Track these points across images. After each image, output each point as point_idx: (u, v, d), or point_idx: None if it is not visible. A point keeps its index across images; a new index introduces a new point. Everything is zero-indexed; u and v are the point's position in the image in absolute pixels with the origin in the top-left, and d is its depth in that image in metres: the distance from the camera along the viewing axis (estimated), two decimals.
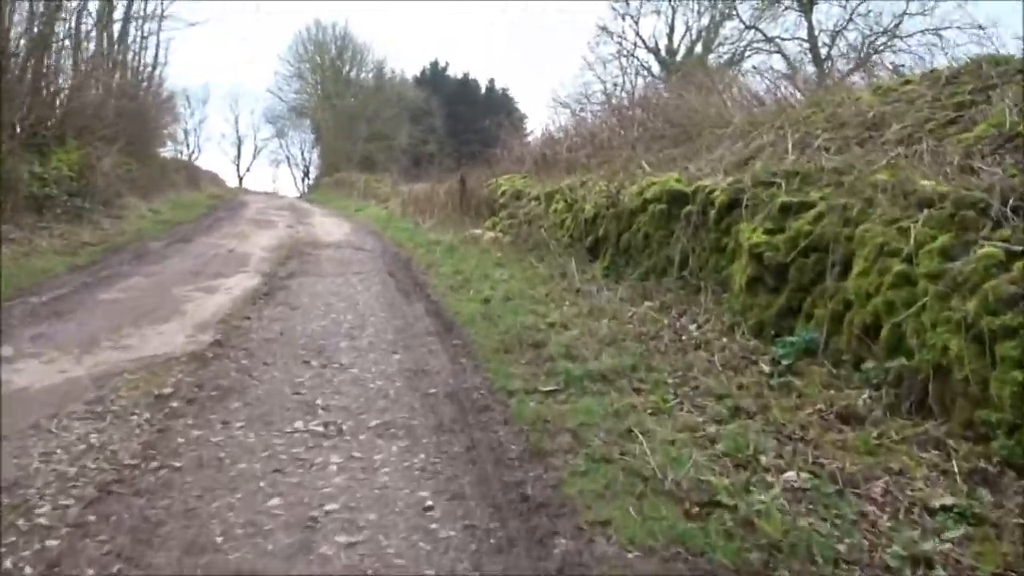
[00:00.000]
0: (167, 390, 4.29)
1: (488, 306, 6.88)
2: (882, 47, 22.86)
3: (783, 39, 26.40)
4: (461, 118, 42.71)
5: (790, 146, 6.92)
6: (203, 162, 47.40)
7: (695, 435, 3.62)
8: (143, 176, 18.58)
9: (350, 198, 28.51)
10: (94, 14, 16.61)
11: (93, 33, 16.52)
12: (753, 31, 27.43)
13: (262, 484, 3.08)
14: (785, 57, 25.04)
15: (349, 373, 4.82)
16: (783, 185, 5.72)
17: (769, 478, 3.12)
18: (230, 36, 74.41)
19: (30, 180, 10.71)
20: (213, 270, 8.85)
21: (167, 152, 29.65)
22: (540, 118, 72.00)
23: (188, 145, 48.18)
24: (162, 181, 22.56)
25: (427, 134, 41.06)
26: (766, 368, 4.55)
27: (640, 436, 3.53)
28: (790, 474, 3.16)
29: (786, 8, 26.00)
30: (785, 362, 4.51)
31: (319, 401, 4.21)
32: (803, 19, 25.51)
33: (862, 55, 21.76)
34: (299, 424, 3.82)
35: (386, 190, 25.71)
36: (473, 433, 3.71)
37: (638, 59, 29.42)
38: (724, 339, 5.21)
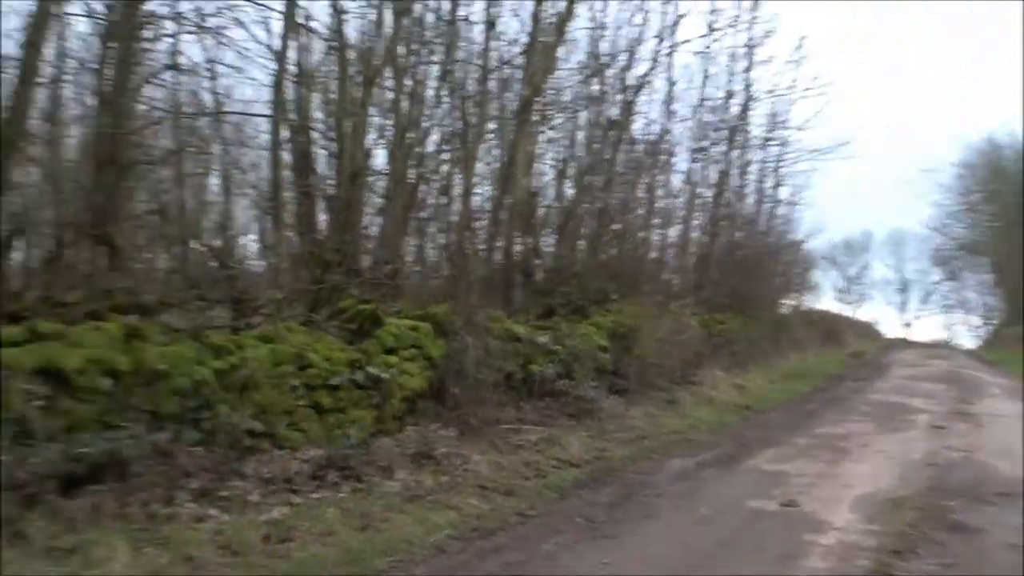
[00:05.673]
0: None
1: None
2: None
3: None
4: None
5: None
6: (865, 312, 44.47)
7: None
8: (739, 337, 15.04)
9: None
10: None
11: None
12: None
13: None
14: None
15: None
16: None
17: None
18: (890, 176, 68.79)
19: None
20: None
21: (799, 304, 25.92)
22: None
23: (850, 294, 45.23)
24: (780, 340, 18.80)
25: None
26: None
27: None
28: None
29: None
30: None
31: None
32: None
33: None
34: None
35: None
36: None
37: None
38: None
